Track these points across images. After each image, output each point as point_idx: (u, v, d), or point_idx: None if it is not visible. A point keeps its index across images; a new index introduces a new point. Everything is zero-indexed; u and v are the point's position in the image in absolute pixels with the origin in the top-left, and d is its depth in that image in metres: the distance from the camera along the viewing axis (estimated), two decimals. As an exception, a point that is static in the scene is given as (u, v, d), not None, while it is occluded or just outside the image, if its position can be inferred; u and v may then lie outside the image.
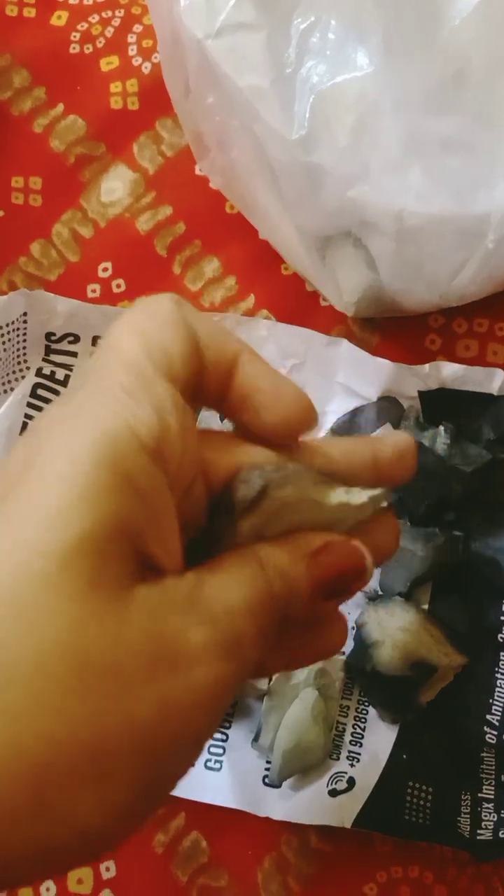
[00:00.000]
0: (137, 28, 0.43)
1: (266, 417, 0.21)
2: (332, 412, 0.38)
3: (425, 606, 0.37)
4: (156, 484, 0.18)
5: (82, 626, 0.16)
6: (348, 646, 0.36)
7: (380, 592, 0.37)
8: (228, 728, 0.36)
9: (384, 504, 0.23)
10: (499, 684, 0.35)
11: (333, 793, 0.35)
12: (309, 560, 0.21)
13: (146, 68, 0.42)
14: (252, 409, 0.21)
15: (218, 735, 0.36)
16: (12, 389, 0.39)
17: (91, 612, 0.16)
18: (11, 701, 0.15)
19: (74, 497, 0.16)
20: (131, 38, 0.43)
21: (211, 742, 0.36)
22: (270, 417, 0.21)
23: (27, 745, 0.15)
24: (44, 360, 0.39)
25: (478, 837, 0.34)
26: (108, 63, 0.42)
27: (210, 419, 0.36)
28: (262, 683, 0.36)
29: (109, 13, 0.43)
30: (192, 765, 0.19)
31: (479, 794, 0.35)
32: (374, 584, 0.37)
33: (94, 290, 0.41)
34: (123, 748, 0.16)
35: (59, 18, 0.43)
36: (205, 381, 0.21)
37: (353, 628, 0.37)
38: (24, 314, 0.38)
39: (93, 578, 0.16)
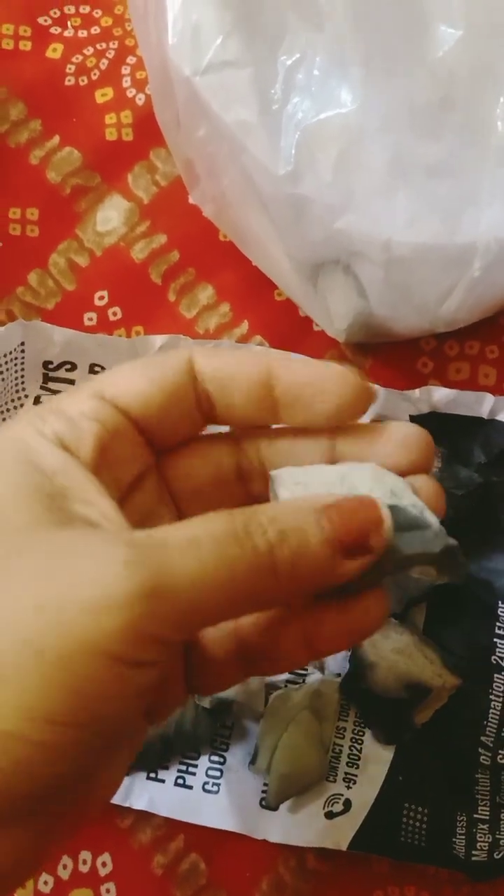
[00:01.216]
0: (131, 60, 0.43)
1: (320, 409, 0.21)
2: (325, 436, 0.39)
3: (420, 628, 0.37)
4: (59, 461, 0.20)
5: None
6: (344, 667, 0.37)
7: (374, 614, 0.37)
8: (226, 750, 0.37)
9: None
10: (492, 706, 0.36)
11: (330, 815, 0.35)
12: (319, 513, 0.19)
13: (140, 99, 0.43)
14: (305, 408, 0.21)
15: (215, 758, 0.36)
16: (11, 418, 0.39)
17: None
18: None
19: None
20: (125, 70, 0.43)
21: (209, 765, 0.36)
22: (323, 408, 0.21)
23: None
24: (41, 388, 0.40)
25: (473, 858, 0.34)
26: (103, 95, 0.43)
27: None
28: (259, 705, 0.36)
29: (104, 45, 0.44)
30: (127, 722, 0.18)
31: (475, 816, 0.35)
32: (368, 606, 0.38)
33: (90, 319, 0.41)
34: (7, 651, 0.16)
35: (54, 51, 0.44)
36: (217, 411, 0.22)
37: (348, 651, 0.37)
38: (22, 344, 0.39)
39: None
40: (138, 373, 0.21)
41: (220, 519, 0.18)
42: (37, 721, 0.16)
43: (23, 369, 0.39)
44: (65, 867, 0.36)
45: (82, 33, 0.44)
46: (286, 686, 0.37)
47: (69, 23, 0.44)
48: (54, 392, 0.40)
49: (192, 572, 0.17)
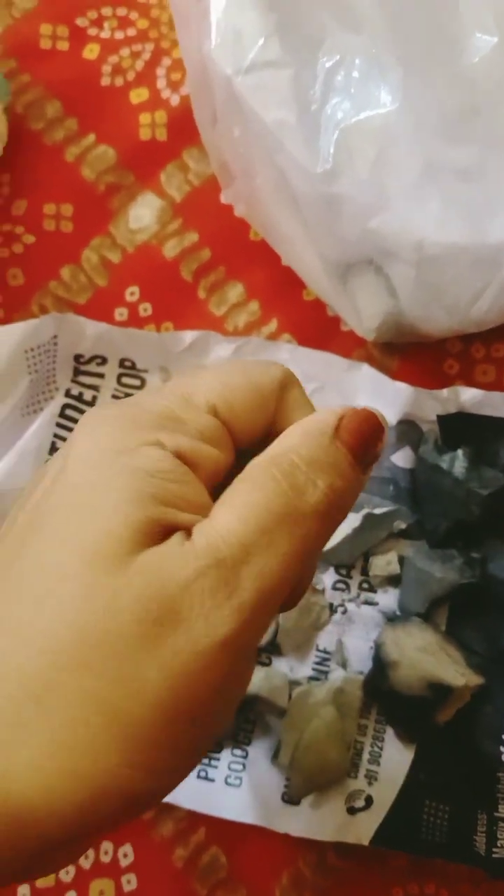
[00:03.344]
0: (166, 62, 0.44)
1: None
2: (352, 435, 0.39)
3: (443, 627, 0.37)
4: (179, 474, 0.19)
5: (78, 602, 0.17)
6: (367, 665, 0.37)
7: (398, 613, 0.38)
8: (248, 745, 0.37)
9: None
10: (515, 705, 0.36)
11: (352, 810, 0.35)
12: (336, 435, 0.20)
13: (174, 100, 0.44)
14: None
15: (238, 752, 0.37)
16: (42, 409, 0.40)
17: (85, 586, 0.17)
18: (29, 680, 0.17)
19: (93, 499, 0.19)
20: (160, 72, 0.44)
21: (231, 759, 0.36)
22: None
23: (52, 715, 0.17)
24: (72, 381, 0.40)
25: (493, 855, 0.34)
26: (138, 95, 0.44)
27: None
28: (282, 701, 0.36)
29: (140, 47, 0.44)
30: (227, 723, 0.19)
31: (495, 814, 0.35)
32: (392, 604, 0.38)
33: (121, 314, 0.42)
34: (137, 719, 0.17)
35: (91, 52, 0.44)
36: None
37: (371, 648, 0.37)
38: (55, 336, 0.39)
39: (89, 554, 0.18)
40: (249, 395, 0.22)
41: (272, 491, 0.19)
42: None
43: (54, 362, 0.40)
44: (86, 857, 0.36)
45: (119, 35, 0.45)
46: (309, 683, 0.37)
47: (106, 24, 0.45)
48: (85, 386, 0.40)
49: (275, 571, 0.18)
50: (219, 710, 0.19)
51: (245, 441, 0.22)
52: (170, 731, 0.17)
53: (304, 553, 0.19)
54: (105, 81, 0.44)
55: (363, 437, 0.21)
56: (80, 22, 0.45)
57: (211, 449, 0.20)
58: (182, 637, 0.17)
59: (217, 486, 0.21)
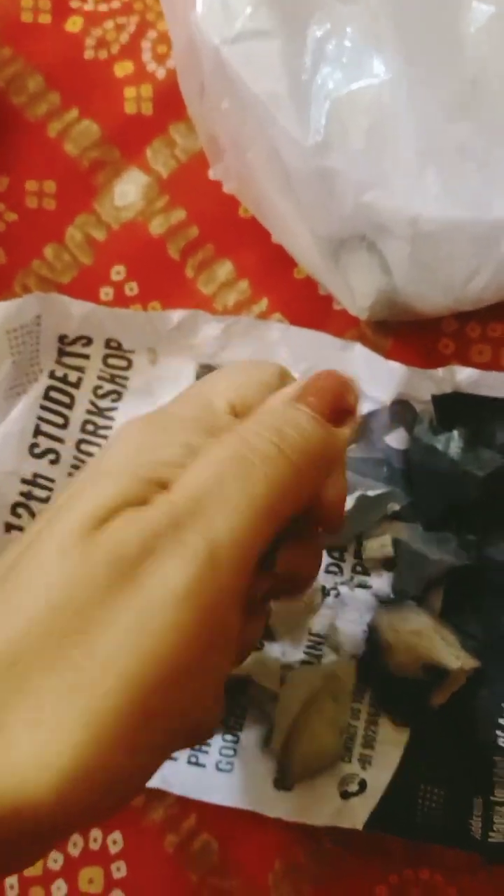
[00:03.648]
0: (152, 34, 0.43)
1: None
2: (344, 416, 0.38)
3: (438, 611, 0.37)
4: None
5: (53, 568, 0.18)
6: (360, 649, 0.37)
7: (392, 596, 0.37)
8: (240, 731, 0.36)
9: None
10: (511, 688, 0.35)
11: (345, 795, 0.35)
12: (298, 399, 0.22)
13: (160, 74, 0.42)
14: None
15: (229, 737, 0.36)
16: (25, 392, 0.39)
17: (60, 553, 0.18)
18: (8, 653, 0.17)
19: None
20: (145, 45, 0.43)
21: (222, 744, 0.36)
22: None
23: (24, 686, 0.17)
24: (56, 362, 0.39)
25: (489, 840, 0.34)
26: (123, 68, 0.43)
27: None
28: (274, 685, 0.36)
29: (124, 19, 0.43)
30: (209, 709, 0.19)
31: (491, 798, 0.35)
32: (386, 587, 0.37)
33: (106, 293, 0.41)
34: (101, 686, 0.17)
35: (73, 24, 0.43)
36: None
37: (364, 631, 0.37)
38: (38, 317, 0.38)
39: (75, 525, 0.19)
40: (259, 389, 0.23)
41: (220, 449, 0.20)
42: None
43: (38, 343, 0.39)
44: (75, 845, 0.35)
45: (102, 7, 0.43)
46: (302, 667, 0.37)
47: (89, -4, 0.44)
48: (70, 367, 0.39)
49: (226, 519, 0.19)
50: (189, 683, 0.18)
51: None
52: (137, 702, 0.17)
53: (261, 503, 0.19)
54: (89, 55, 0.43)
55: (324, 392, 0.22)
56: (63, -7, 0.44)
57: None
58: (140, 597, 0.17)
59: None
